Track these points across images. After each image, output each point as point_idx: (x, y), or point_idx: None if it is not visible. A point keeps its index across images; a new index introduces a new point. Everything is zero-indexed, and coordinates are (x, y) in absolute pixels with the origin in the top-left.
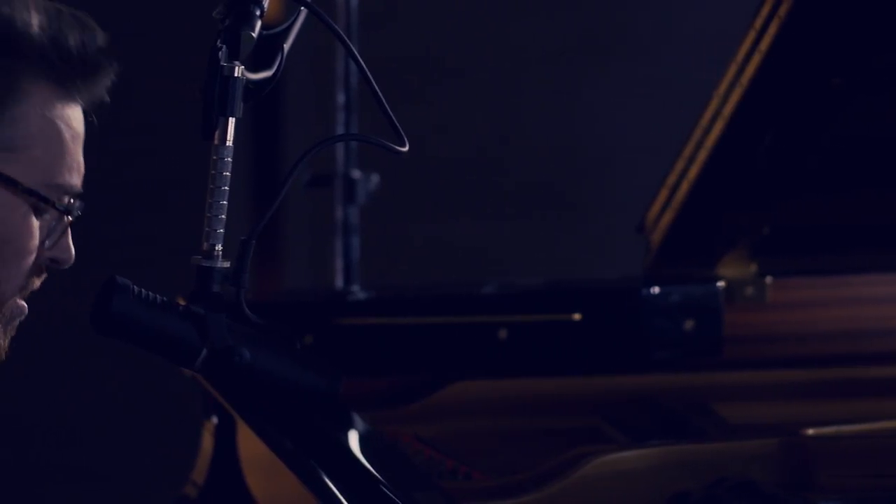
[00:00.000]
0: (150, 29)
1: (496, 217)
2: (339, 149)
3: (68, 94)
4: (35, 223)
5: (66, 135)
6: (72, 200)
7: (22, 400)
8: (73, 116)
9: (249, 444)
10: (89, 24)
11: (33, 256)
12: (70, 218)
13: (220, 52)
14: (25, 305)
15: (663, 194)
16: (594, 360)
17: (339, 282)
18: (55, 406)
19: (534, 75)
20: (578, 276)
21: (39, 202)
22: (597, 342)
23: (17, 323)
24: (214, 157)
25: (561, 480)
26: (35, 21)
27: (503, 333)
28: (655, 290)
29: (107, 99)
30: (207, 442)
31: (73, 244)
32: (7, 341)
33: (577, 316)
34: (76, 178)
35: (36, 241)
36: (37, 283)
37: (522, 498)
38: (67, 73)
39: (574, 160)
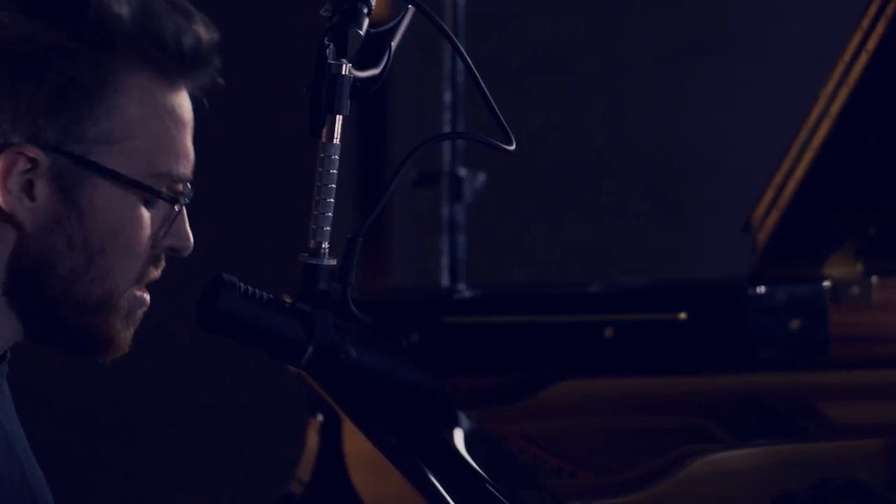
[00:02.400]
0: (258, 26)
1: (602, 216)
2: (446, 147)
3: (169, 82)
4: (144, 214)
5: (169, 123)
6: (181, 187)
7: (129, 397)
8: (176, 103)
9: (355, 442)
10: (186, 9)
11: (146, 247)
12: (178, 207)
13: (327, 50)
14: (147, 297)
15: (769, 194)
16: (700, 360)
17: (444, 280)
18: (162, 404)
19: (641, 74)
20: (684, 276)
21: (145, 193)
22: (702, 341)
23: (139, 315)
24: (322, 155)
25: (666, 480)
26: (126, 10)
27: (609, 332)
28: (761, 289)
29: (220, 81)
30: (313, 440)
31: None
32: (129, 334)
33: (682, 315)
34: (183, 166)
35: (147, 231)
36: (155, 273)
37: (627, 497)
38: (165, 61)
39: (681, 160)
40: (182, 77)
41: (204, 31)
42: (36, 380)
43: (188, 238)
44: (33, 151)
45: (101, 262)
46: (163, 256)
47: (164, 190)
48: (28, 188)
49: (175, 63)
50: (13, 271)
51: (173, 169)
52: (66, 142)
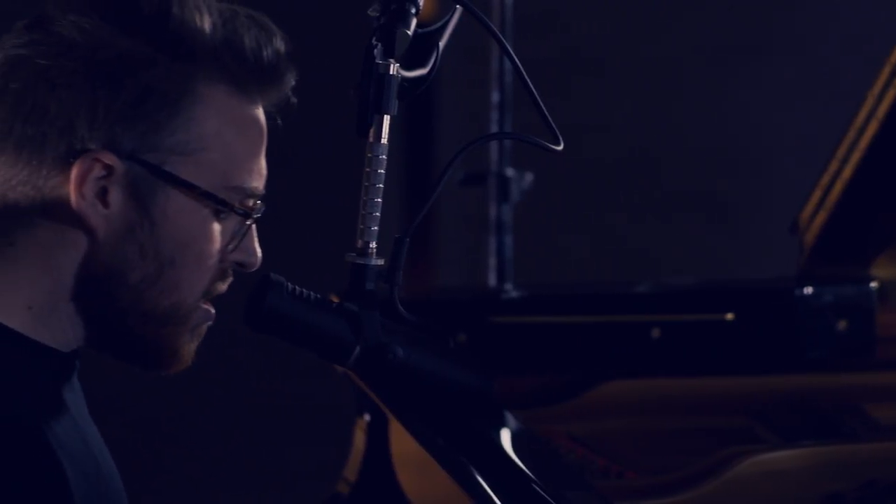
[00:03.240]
0: (306, 26)
1: (650, 216)
2: (493, 147)
3: (246, 96)
4: (215, 227)
5: (245, 137)
6: (253, 203)
7: (176, 398)
8: (253, 118)
9: (402, 442)
10: (266, 25)
11: (215, 260)
12: (250, 221)
13: (375, 50)
14: (213, 311)
15: (816, 195)
16: (747, 360)
17: (492, 280)
18: (210, 403)
19: (688, 74)
20: (732, 276)
21: (218, 206)
22: (749, 342)
23: (204, 329)
24: (369, 155)
25: (713, 480)
26: (207, 23)
27: (656, 332)
28: (808, 290)
29: (293, 99)
30: (360, 439)
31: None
32: (193, 347)
33: (730, 316)
34: (256, 181)
35: (217, 244)
36: (222, 287)
37: (674, 497)
38: (244, 76)
39: (727, 159)
40: (259, 92)
41: (282, 48)
42: (93, 380)
43: (256, 254)
44: (109, 158)
45: (171, 273)
46: (230, 271)
47: (236, 204)
48: (102, 195)
49: (253, 77)
50: (84, 278)
51: (246, 183)
52: (142, 150)
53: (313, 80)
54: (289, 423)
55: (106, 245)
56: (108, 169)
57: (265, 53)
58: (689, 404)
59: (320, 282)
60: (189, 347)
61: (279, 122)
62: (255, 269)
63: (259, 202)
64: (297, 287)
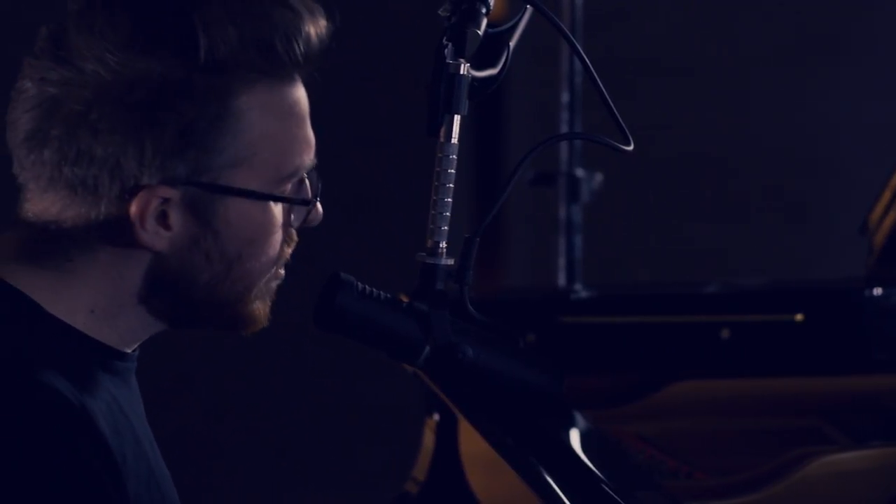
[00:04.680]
0: (377, 26)
1: (719, 217)
2: (563, 147)
3: (284, 81)
4: (276, 214)
5: (290, 123)
6: (309, 182)
7: (245, 397)
8: (294, 99)
9: (471, 442)
10: (294, 5)
11: (281, 237)
12: (310, 207)
13: (446, 50)
14: (282, 271)
15: (886, 195)
16: (816, 361)
17: (561, 280)
18: (280, 402)
19: (759, 75)
20: (801, 277)
21: (277, 202)
22: (819, 343)
23: (274, 287)
24: (440, 155)
25: (782, 481)
26: (234, 31)
27: (726, 333)
28: (878, 290)
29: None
30: (429, 439)
31: (302, 232)
32: (268, 307)
33: (799, 316)
34: (307, 155)
35: (280, 228)
36: (288, 250)
37: (744, 498)
38: (279, 67)
39: (798, 160)
40: (296, 71)
41: (313, 28)
42: (156, 377)
43: (320, 214)
44: (165, 190)
45: (240, 266)
46: (294, 234)
47: (292, 191)
48: (162, 219)
49: (289, 65)
50: (152, 285)
51: (299, 163)
52: (195, 174)
53: (384, 81)
54: (358, 423)
55: (172, 258)
56: (165, 198)
57: (297, 44)
58: (758, 405)
59: (390, 281)
60: (263, 310)
61: (318, 77)
62: (317, 223)
63: (315, 176)
64: (366, 286)
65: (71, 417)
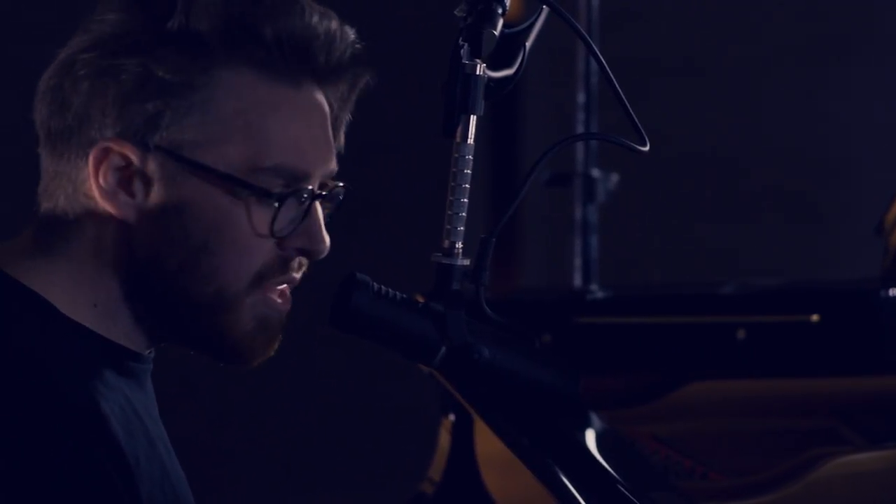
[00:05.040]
0: (392, 26)
1: (735, 217)
2: (579, 147)
3: (281, 78)
4: (250, 210)
5: (279, 118)
6: (305, 184)
7: (261, 397)
8: (288, 99)
9: (486, 442)
10: (288, 2)
11: (256, 245)
12: (304, 206)
13: (462, 50)
14: (279, 301)
15: None
16: (832, 362)
17: (577, 280)
18: (294, 403)
19: (775, 76)
20: (816, 278)
21: (239, 187)
22: (835, 343)
23: (275, 321)
24: (455, 155)
25: (797, 482)
26: (221, 8)
27: (741, 333)
28: (893, 291)
29: (363, 82)
30: (444, 439)
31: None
32: (266, 341)
33: (815, 317)
34: (303, 162)
35: (257, 229)
36: (283, 276)
37: (759, 498)
38: (267, 58)
39: (813, 161)
40: (297, 73)
41: (321, 24)
42: (168, 378)
43: (321, 241)
44: (124, 146)
45: (207, 259)
46: (296, 259)
47: (275, 187)
48: (126, 185)
49: (282, 59)
50: (130, 273)
51: (288, 163)
52: (158, 138)
53: (399, 81)
54: (374, 423)
55: (140, 235)
56: (126, 159)
57: (288, 35)
58: (774, 405)
59: (406, 282)
60: (259, 341)
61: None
62: (320, 256)
63: (315, 184)
64: (382, 287)
65: (83, 420)
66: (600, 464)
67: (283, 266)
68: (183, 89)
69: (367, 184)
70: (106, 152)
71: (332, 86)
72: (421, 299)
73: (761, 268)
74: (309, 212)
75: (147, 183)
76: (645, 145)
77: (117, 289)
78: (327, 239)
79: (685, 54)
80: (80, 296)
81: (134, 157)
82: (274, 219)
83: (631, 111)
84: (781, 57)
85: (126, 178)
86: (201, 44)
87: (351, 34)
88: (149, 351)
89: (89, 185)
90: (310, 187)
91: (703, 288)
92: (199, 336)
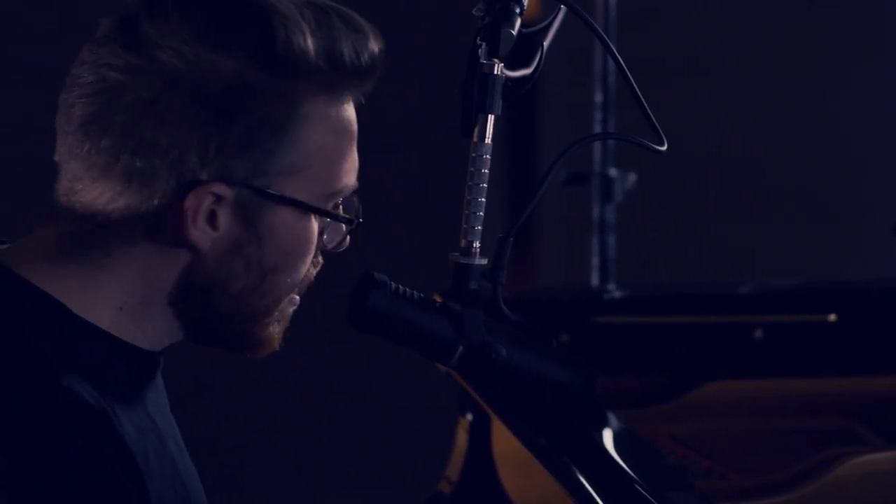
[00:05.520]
0: (409, 26)
1: (752, 217)
2: (596, 147)
3: (342, 99)
4: (314, 232)
5: (342, 140)
6: (352, 203)
7: (276, 396)
8: (347, 119)
9: (504, 441)
10: (360, 26)
11: (311, 258)
12: (353, 227)
13: (479, 50)
14: (297, 297)
15: None
16: (849, 361)
17: (594, 280)
18: (311, 401)
19: (791, 75)
20: (834, 277)
21: (324, 217)
22: (852, 343)
23: (290, 313)
24: (473, 155)
25: (815, 481)
26: (311, 41)
27: (759, 333)
28: None
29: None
30: (462, 438)
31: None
32: (281, 331)
33: (832, 317)
34: (352, 177)
35: (314, 244)
36: (312, 272)
37: (777, 498)
38: (341, 83)
39: (831, 160)
40: (354, 92)
41: (376, 46)
42: (184, 376)
43: (346, 244)
44: (221, 188)
45: (273, 278)
46: (320, 256)
47: (337, 209)
48: (211, 219)
49: (350, 82)
50: (183, 287)
51: (345, 183)
52: (252, 177)
53: (417, 80)
54: (391, 422)
55: (210, 260)
56: (217, 196)
57: (363, 59)
58: (791, 405)
59: (423, 281)
60: (278, 333)
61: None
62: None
63: (357, 203)
64: (400, 286)
65: (91, 419)
66: (618, 463)
67: (316, 265)
68: (282, 132)
69: (385, 183)
70: (203, 196)
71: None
72: (438, 298)
73: (779, 267)
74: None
75: (233, 217)
76: (663, 145)
77: (157, 297)
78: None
79: (703, 54)
80: (104, 299)
81: (227, 196)
82: (343, 237)
83: (648, 111)
84: (799, 56)
85: (213, 212)
86: (295, 78)
87: (382, 46)
88: (160, 350)
89: (172, 220)
90: (355, 202)
91: (721, 288)
92: (229, 338)
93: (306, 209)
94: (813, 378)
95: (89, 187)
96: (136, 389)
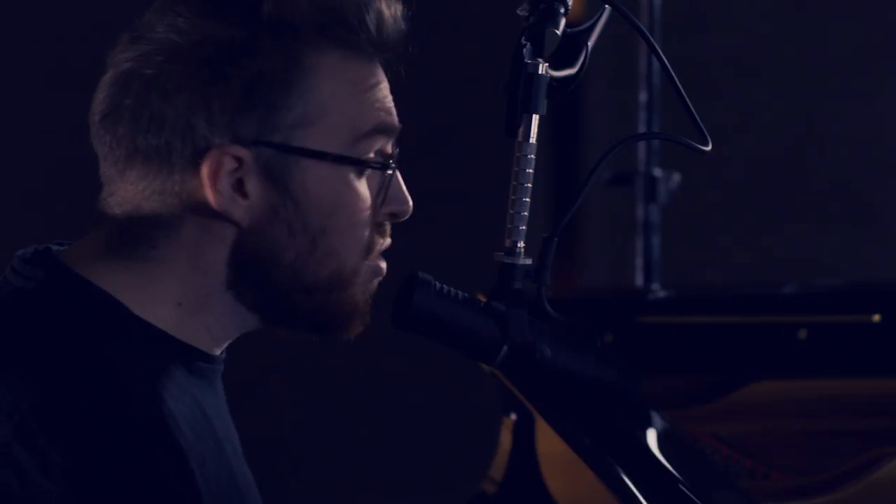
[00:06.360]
0: (455, 25)
1: (796, 218)
2: (641, 147)
3: (358, 55)
4: (359, 186)
5: (361, 89)
6: (389, 148)
7: (323, 396)
8: (369, 72)
9: (548, 441)
10: None
11: (367, 218)
12: (390, 171)
13: (524, 50)
14: (383, 265)
15: None
16: (893, 362)
17: (639, 280)
18: (357, 403)
19: (835, 75)
20: (878, 278)
21: (353, 165)
22: None
23: (375, 284)
24: (518, 155)
25: (859, 481)
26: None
27: (803, 334)
28: None
29: (407, 48)
30: (506, 438)
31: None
32: (368, 306)
33: (876, 317)
34: (383, 117)
35: (365, 201)
36: (383, 242)
37: (821, 498)
38: (353, 39)
39: (875, 161)
40: (373, 51)
41: (385, 5)
42: (240, 383)
43: (406, 201)
44: (235, 150)
45: (325, 242)
46: (386, 225)
47: (371, 156)
48: (239, 187)
49: (363, 39)
50: (237, 267)
51: (375, 122)
52: (265, 133)
53: (462, 80)
54: (435, 422)
55: (253, 232)
56: (238, 161)
57: (368, 16)
58: (835, 405)
59: (468, 281)
60: (363, 307)
61: (402, 72)
62: (407, 216)
63: (396, 149)
64: (444, 286)
65: (145, 423)
66: (662, 464)
67: (382, 232)
68: (286, 84)
69: (430, 183)
70: (220, 160)
71: (385, 59)
72: (483, 298)
73: (823, 268)
74: (394, 176)
75: (261, 181)
76: (707, 145)
77: (214, 286)
78: (410, 200)
79: (746, 54)
80: (161, 295)
81: (246, 158)
82: (385, 188)
83: (693, 110)
84: (843, 57)
85: (239, 180)
86: (295, 36)
87: (402, 11)
88: (220, 352)
89: (201, 193)
90: (394, 151)
91: (764, 288)
92: (308, 315)
93: (330, 159)
94: (856, 378)
95: (120, 183)
96: (194, 392)
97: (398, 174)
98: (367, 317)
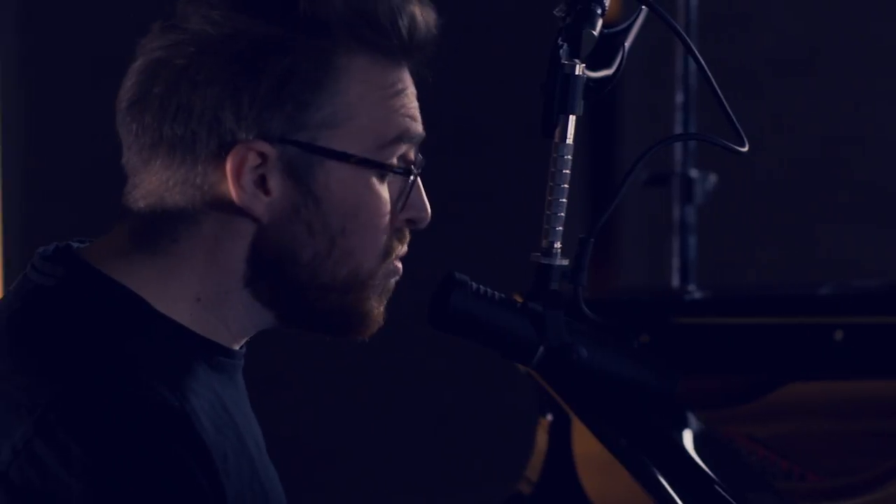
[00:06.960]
0: (491, 26)
1: (833, 218)
2: (677, 148)
3: (390, 61)
4: (380, 189)
5: (391, 95)
6: (412, 154)
7: (359, 397)
8: (397, 77)
9: (584, 442)
10: None
11: (386, 222)
12: (412, 178)
13: (561, 50)
14: (399, 266)
15: None
16: None
17: (675, 281)
18: (392, 403)
19: (874, 76)
20: None
21: (377, 169)
22: None
23: (391, 285)
24: (555, 155)
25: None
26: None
27: (839, 335)
28: None
29: (436, 55)
30: (542, 439)
31: (416, 232)
32: (383, 307)
33: None
34: (409, 123)
35: (385, 206)
36: (401, 248)
37: (857, 499)
38: (384, 43)
39: None
40: (403, 56)
41: (419, 11)
42: (267, 378)
43: (426, 209)
44: (261, 146)
45: (343, 243)
46: (405, 231)
47: (395, 161)
48: (261, 183)
49: (394, 44)
50: (255, 264)
51: (399, 129)
52: (292, 131)
53: (499, 81)
54: (471, 423)
55: (272, 229)
56: (262, 157)
57: (401, 19)
58: (872, 406)
59: (504, 281)
60: (378, 309)
61: (430, 79)
62: (425, 224)
63: (419, 155)
64: (481, 286)
65: (167, 418)
66: (698, 464)
67: (401, 238)
68: (316, 84)
69: (466, 184)
70: (244, 155)
71: (414, 64)
72: (519, 299)
73: (861, 268)
74: (416, 183)
75: (283, 178)
76: (744, 146)
77: (232, 282)
78: (429, 208)
79: (783, 55)
80: (182, 290)
81: (271, 154)
82: (406, 194)
83: (729, 111)
84: (882, 57)
85: (262, 176)
86: (329, 36)
87: (434, 18)
88: (240, 346)
89: (223, 187)
90: (417, 158)
91: (801, 289)
92: (323, 316)
93: (355, 161)
94: (893, 380)
95: (143, 174)
96: (215, 387)
97: (419, 181)
98: (381, 319)
